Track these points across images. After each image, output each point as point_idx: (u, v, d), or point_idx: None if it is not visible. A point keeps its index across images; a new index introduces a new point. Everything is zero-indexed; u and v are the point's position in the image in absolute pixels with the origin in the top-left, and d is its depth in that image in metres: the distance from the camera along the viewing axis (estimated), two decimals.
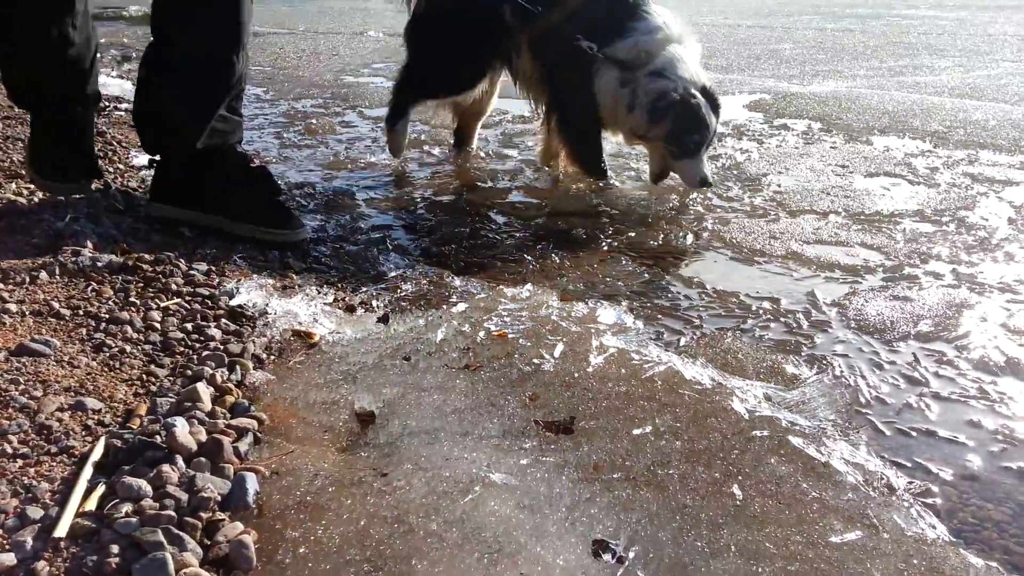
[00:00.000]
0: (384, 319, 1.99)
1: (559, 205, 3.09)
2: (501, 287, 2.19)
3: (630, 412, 1.52)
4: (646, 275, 2.38)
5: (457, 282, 2.30)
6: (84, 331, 1.77)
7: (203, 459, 1.20)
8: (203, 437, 1.26)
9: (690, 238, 2.71)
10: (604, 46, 3.00)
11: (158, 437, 1.25)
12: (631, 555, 1.11)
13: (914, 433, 1.52)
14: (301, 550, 1.07)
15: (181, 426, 1.27)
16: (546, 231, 2.79)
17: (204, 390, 1.41)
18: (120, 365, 1.63)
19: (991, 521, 1.25)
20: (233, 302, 2.02)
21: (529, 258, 2.51)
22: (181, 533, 1.02)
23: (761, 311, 2.10)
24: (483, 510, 1.18)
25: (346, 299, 2.20)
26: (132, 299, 1.95)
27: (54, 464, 1.23)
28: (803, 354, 1.83)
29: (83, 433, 1.34)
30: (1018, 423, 1.56)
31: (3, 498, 1.10)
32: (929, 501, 1.29)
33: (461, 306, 2.11)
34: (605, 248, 2.61)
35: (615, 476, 1.30)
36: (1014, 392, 1.67)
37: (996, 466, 1.42)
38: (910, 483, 1.34)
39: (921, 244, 2.63)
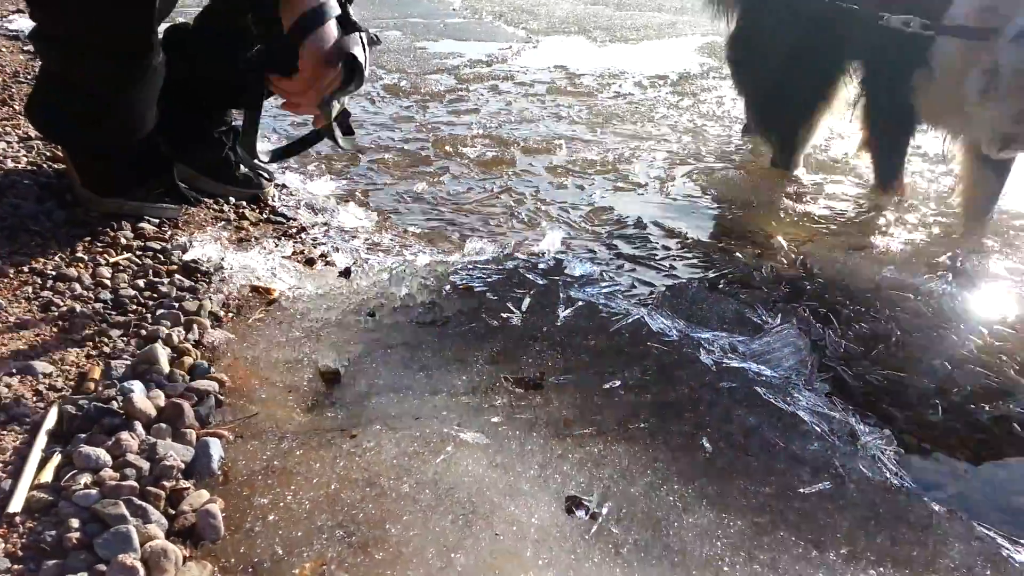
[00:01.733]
0: (346, 273, 1.94)
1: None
2: (465, 240, 2.16)
3: (598, 366, 1.51)
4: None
5: (416, 234, 2.26)
6: (30, 289, 1.69)
7: (163, 425, 1.16)
8: (162, 402, 1.21)
9: None
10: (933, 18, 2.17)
11: (115, 403, 1.20)
12: (604, 511, 1.12)
13: (876, 382, 1.55)
14: (271, 517, 1.04)
15: (139, 391, 1.22)
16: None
17: (161, 351, 1.36)
18: (70, 326, 1.56)
19: (951, 470, 1.28)
20: (187, 256, 1.95)
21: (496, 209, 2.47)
22: (144, 504, 0.99)
23: None
24: (456, 470, 1.16)
25: (305, 252, 2.14)
26: (79, 254, 1.86)
27: (4, 433, 1.17)
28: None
29: (34, 399, 1.28)
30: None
31: None
32: (892, 451, 1.31)
33: (423, 259, 2.07)
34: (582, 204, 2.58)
35: (586, 431, 1.30)
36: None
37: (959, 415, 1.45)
38: (871, 431, 1.36)
39: None
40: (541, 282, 1.85)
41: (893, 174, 2.63)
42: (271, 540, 1.00)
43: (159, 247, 1.98)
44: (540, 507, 1.11)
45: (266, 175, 2.56)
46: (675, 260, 2.13)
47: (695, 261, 2.12)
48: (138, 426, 1.15)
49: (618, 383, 1.44)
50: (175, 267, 1.88)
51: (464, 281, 1.83)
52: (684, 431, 1.30)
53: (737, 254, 2.16)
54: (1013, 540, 1.08)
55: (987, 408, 1.46)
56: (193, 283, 1.82)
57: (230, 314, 1.71)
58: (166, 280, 1.81)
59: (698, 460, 1.23)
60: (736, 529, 1.08)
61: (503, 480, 1.15)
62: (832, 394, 1.49)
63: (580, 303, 1.74)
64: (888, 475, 1.22)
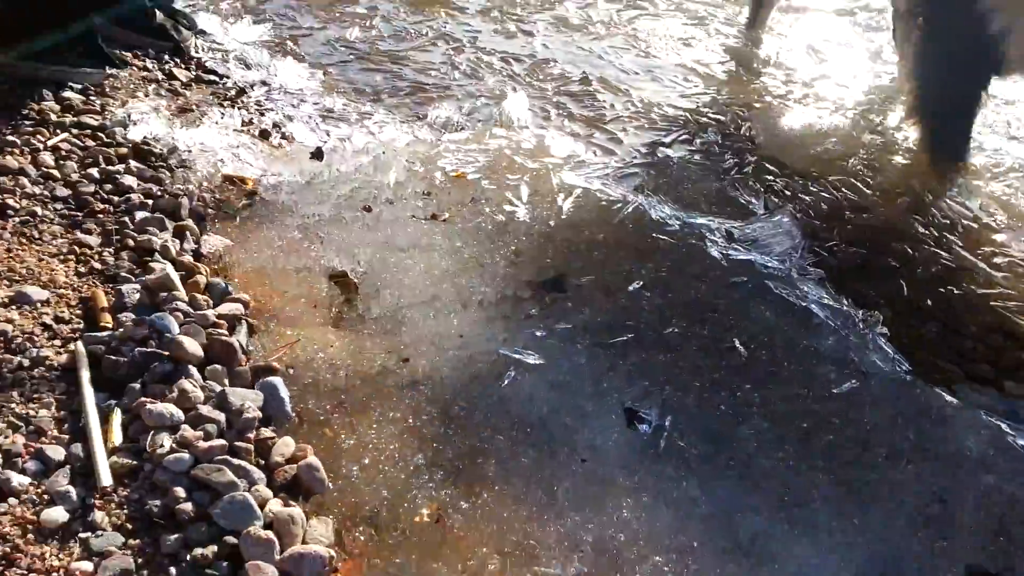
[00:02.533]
0: (318, 154, 1.81)
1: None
2: (426, 107, 2.06)
3: (614, 264, 1.53)
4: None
5: (368, 95, 2.13)
6: None
7: (218, 367, 1.10)
8: (202, 338, 1.13)
9: None
10: None
11: (152, 342, 1.11)
12: (667, 423, 1.19)
13: (853, 262, 1.66)
14: (365, 460, 1.04)
15: (176, 328, 1.13)
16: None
17: (173, 274, 1.25)
18: (39, 234, 1.40)
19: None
20: (132, 135, 1.74)
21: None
22: (243, 463, 0.95)
23: None
24: (521, 394, 1.19)
25: (255, 122, 1.96)
26: (8, 136, 1.62)
27: (37, 382, 1.07)
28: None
29: (47, 336, 1.17)
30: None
31: (3, 436, 0.96)
32: (899, 342, 1.44)
33: (391, 133, 1.96)
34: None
35: (624, 339, 1.34)
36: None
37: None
38: (868, 318, 1.49)
39: None
40: (531, 165, 1.81)
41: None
42: (376, 487, 1.01)
43: (95, 123, 1.76)
44: (609, 427, 1.16)
45: (186, 22, 2.27)
46: (627, 123, 2.14)
47: (646, 124, 2.13)
48: (193, 371, 1.08)
49: (639, 284, 1.47)
50: (125, 150, 1.69)
51: (455, 168, 1.75)
52: (714, 334, 1.37)
53: (679, 114, 2.20)
54: (1015, 427, 1.25)
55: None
56: (154, 171, 1.65)
57: (210, 211, 1.58)
58: (121, 168, 1.62)
59: (735, 364, 1.32)
60: (790, 436, 1.19)
61: (567, 402, 1.19)
62: (825, 280, 1.59)
63: (577, 191, 1.73)
64: (900, 370, 1.35)
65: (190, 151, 1.73)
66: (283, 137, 1.93)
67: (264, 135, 1.91)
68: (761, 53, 2.69)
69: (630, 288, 1.47)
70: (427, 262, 1.47)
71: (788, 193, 1.89)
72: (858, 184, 1.94)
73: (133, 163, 1.64)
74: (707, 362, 1.32)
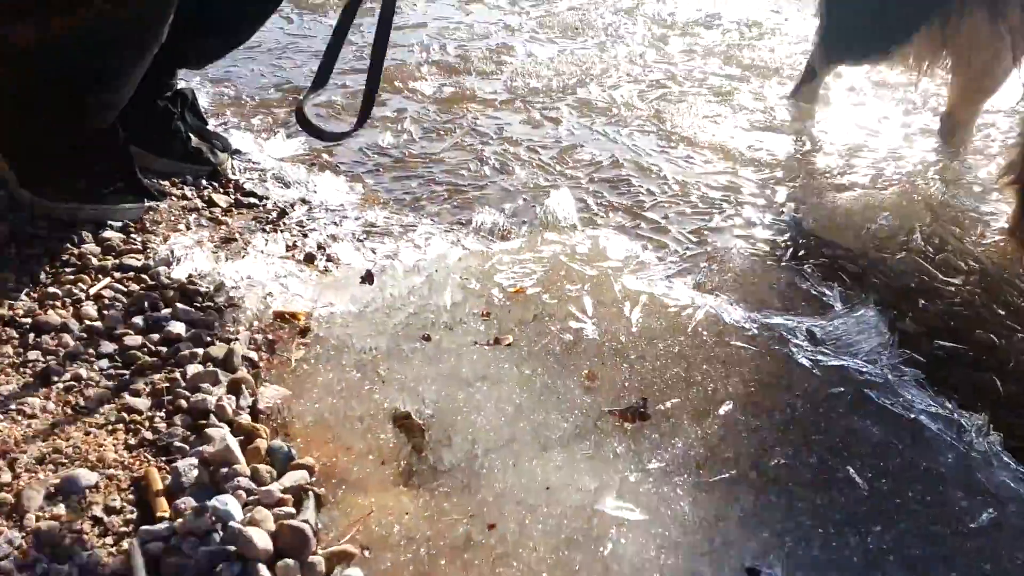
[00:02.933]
0: (368, 278, 1.72)
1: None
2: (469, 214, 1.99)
3: (696, 379, 1.41)
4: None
5: (410, 204, 2.07)
6: (9, 349, 1.41)
7: (289, 561, 0.98)
8: (270, 524, 1.02)
9: None
10: None
11: (216, 535, 1.00)
12: None
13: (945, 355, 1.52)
14: None
15: (239, 511, 1.02)
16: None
17: (232, 442, 1.15)
18: (85, 402, 1.31)
19: None
20: (177, 274, 1.67)
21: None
22: None
23: None
24: (626, 561, 1.06)
25: (300, 245, 1.89)
26: (49, 288, 1.56)
27: None
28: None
29: (97, 532, 1.07)
30: None
31: None
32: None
33: (440, 246, 1.88)
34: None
35: (726, 476, 1.21)
36: None
37: None
38: (982, 426, 1.34)
39: None
40: (589, 271, 1.70)
41: None
42: None
43: (138, 263, 1.69)
44: None
45: (220, 143, 2.23)
46: (667, 209, 2.05)
47: (688, 210, 2.04)
48: (261, 569, 0.97)
49: (729, 405, 1.35)
50: (171, 293, 1.61)
51: (513, 283, 1.65)
52: (824, 461, 1.24)
53: (717, 196, 2.11)
54: None
55: None
56: (202, 314, 1.57)
57: (264, 354, 1.49)
58: (168, 313, 1.55)
59: (856, 498, 1.18)
60: None
61: (680, 566, 1.05)
62: (924, 381, 1.45)
63: (642, 297, 1.61)
64: None
65: (237, 287, 1.66)
66: (328, 259, 1.86)
67: (309, 259, 1.83)
68: (793, 127, 2.60)
69: (720, 411, 1.34)
70: (497, 396, 1.36)
71: (857, 279, 1.77)
72: (923, 263, 1.83)
73: (180, 306, 1.56)
74: (825, 499, 1.18)
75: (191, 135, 2.12)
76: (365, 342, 1.51)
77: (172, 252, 1.74)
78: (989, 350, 1.57)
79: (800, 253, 1.86)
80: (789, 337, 1.52)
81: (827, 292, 1.73)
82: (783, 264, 1.80)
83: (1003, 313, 1.69)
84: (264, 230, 1.93)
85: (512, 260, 1.74)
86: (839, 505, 1.17)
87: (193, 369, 1.36)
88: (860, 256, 1.88)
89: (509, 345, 1.49)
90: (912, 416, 1.34)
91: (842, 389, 1.40)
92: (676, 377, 1.42)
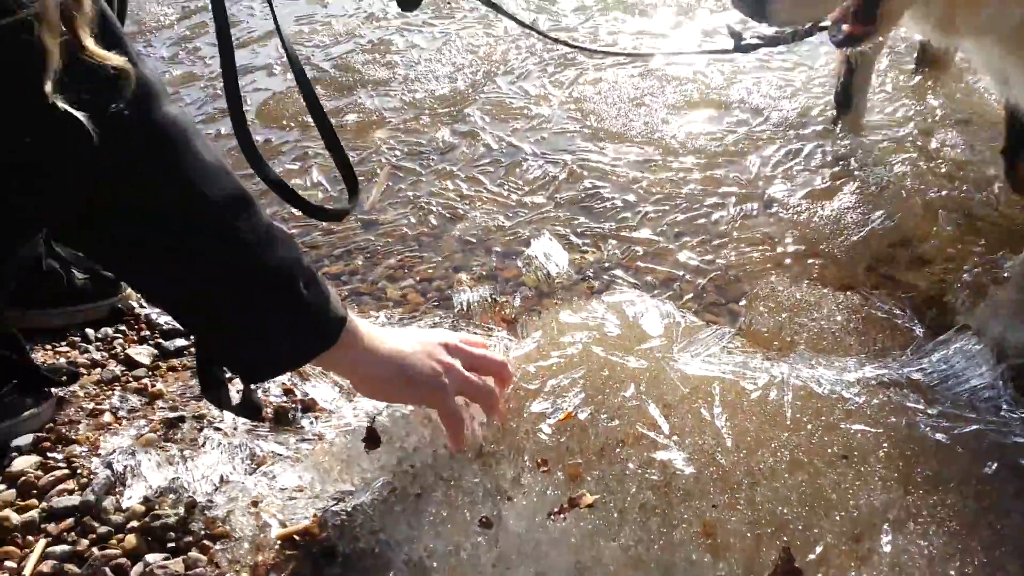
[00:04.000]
0: (373, 440, 1.36)
1: None
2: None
3: (829, 496, 1.15)
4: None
5: (373, 313, 1.68)
6: None
7: None
8: None
9: None
10: None
11: None
12: None
13: None
14: None
15: None
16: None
17: None
18: None
19: None
20: (129, 502, 1.29)
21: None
22: None
23: None
24: None
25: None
26: None
27: None
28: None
29: None
30: None
31: None
32: None
33: None
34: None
35: None
36: None
37: None
38: None
39: None
40: (633, 364, 1.41)
41: None
42: None
43: (75, 500, 1.30)
44: None
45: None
46: (660, 223, 1.79)
47: (681, 217, 1.78)
48: None
49: (887, 536, 1.09)
50: (133, 540, 1.22)
51: (551, 407, 1.34)
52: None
53: (696, 192, 1.84)
54: None
55: None
56: (183, 560, 1.19)
57: None
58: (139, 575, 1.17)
59: None
60: None
61: None
62: None
63: (714, 388, 1.33)
64: None
65: (211, 500, 1.28)
66: (305, 408, 1.49)
67: (282, 418, 1.47)
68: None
69: (882, 543, 1.09)
70: None
71: (909, 286, 1.55)
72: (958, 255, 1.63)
73: (150, 558, 1.18)
74: None
75: (72, 270, 1.66)
76: (402, 540, 1.17)
77: (111, 469, 1.34)
78: None
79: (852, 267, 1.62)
80: (899, 399, 1.28)
81: (899, 312, 1.49)
82: (837, 290, 1.55)
83: None
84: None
85: (537, 371, 1.42)
86: None
87: None
88: (898, 259, 1.66)
89: (591, 506, 1.18)
90: None
91: (995, 465, 1.17)
92: (804, 498, 1.15)
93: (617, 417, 1.30)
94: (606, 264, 1.78)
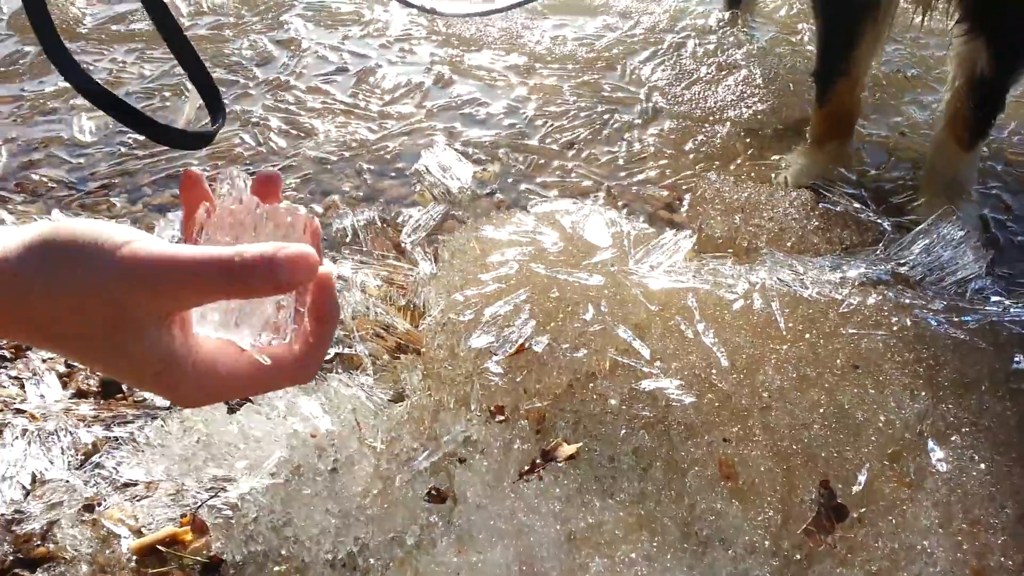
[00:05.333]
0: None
1: None
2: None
3: (850, 411, 0.95)
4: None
5: None
6: None
7: None
8: None
9: None
10: None
11: None
12: None
13: None
14: None
15: None
16: None
17: None
18: None
19: None
20: None
21: None
22: None
23: None
24: None
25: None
26: None
27: None
28: None
29: None
30: None
31: None
32: None
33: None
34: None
35: None
36: None
37: None
38: None
39: None
40: (587, 279, 1.14)
41: None
42: None
43: None
44: None
45: None
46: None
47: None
48: None
49: (937, 451, 0.90)
50: None
51: (497, 341, 1.04)
52: None
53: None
54: None
55: None
56: None
57: None
58: None
59: None
60: None
61: None
62: None
63: (689, 299, 1.09)
64: None
65: (20, 511, 0.88)
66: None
67: (112, 390, 1.07)
68: None
69: (933, 459, 0.89)
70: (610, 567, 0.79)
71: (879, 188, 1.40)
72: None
73: None
74: None
75: None
76: (334, 541, 0.83)
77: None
78: None
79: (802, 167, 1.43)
80: (895, 297, 1.09)
81: (859, 208, 1.32)
82: (789, 192, 1.36)
83: None
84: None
85: (466, 299, 1.11)
86: None
87: None
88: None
89: (572, 458, 0.90)
90: None
91: (1022, 360, 1.01)
92: (827, 419, 0.93)
93: (581, 346, 1.02)
94: (511, 177, 1.48)
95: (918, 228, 1.22)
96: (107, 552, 0.83)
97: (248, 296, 0.42)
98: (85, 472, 0.92)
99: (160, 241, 0.41)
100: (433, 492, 0.87)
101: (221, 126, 0.88)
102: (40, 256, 0.40)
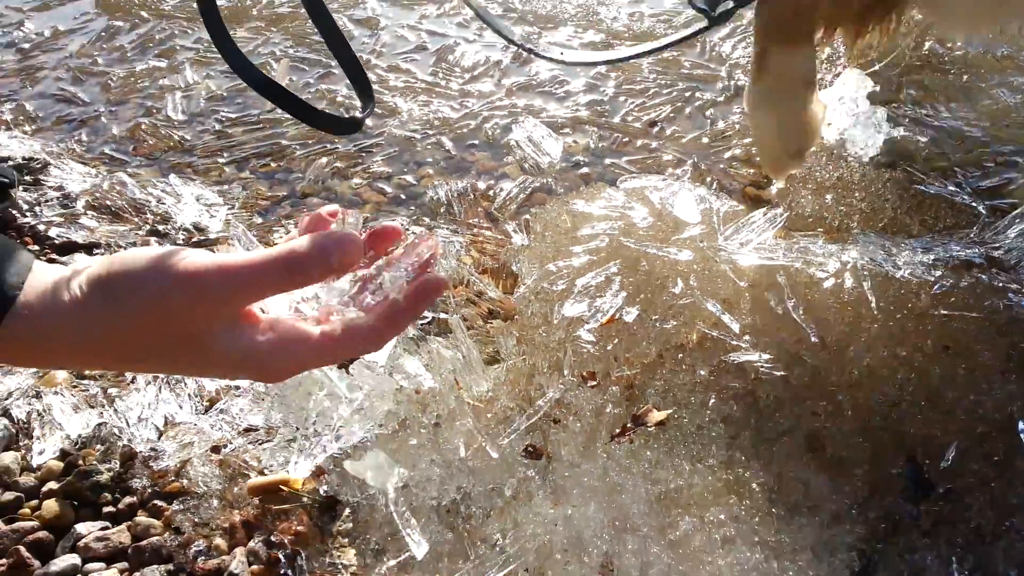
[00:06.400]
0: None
1: None
2: None
3: (941, 391, 0.96)
4: None
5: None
6: None
7: None
8: None
9: None
10: None
11: None
12: None
13: None
14: None
15: None
16: None
17: None
18: None
19: None
20: (40, 459, 0.96)
21: None
22: None
23: None
24: None
25: None
26: None
27: None
28: None
29: None
30: None
31: None
32: None
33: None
34: None
35: None
36: None
37: None
38: None
39: None
40: (676, 254, 1.16)
41: None
42: None
43: None
44: None
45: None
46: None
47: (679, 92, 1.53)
48: None
49: None
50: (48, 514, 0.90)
51: (590, 311, 1.08)
52: None
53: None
54: None
55: None
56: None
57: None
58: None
59: None
60: None
61: None
62: None
63: (778, 278, 1.11)
64: None
65: (155, 449, 0.96)
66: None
67: None
68: None
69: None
70: (706, 547, 0.83)
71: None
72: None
73: (81, 529, 0.87)
74: None
75: None
76: (440, 488, 0.90)
77: (10, 417, 0.99)
78: None
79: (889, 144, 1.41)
80: (988, 280, 1.09)
81: (954, 189, 1.31)
82: (882, 173, 1.35)
83: None
84: None
85: (559, 269, 1.15)
86: None
87: None
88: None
89: (662, 424, 0.94)
90: None
91: None
92: (917, 399, 0.95)
93: (671, 318, 1.06)
94: (597, 153, 1.51)
95: (1015, 212, 1.21)
96: (235, 489, 0.91)
97: (308, 283, 0.47)
98: (211, 417, 1.00)
99: (206, 253, 0.47)
100: (530, 448, 0.92)
101: (371, 113, 0.94)
102: (101, 293, 0.46)
